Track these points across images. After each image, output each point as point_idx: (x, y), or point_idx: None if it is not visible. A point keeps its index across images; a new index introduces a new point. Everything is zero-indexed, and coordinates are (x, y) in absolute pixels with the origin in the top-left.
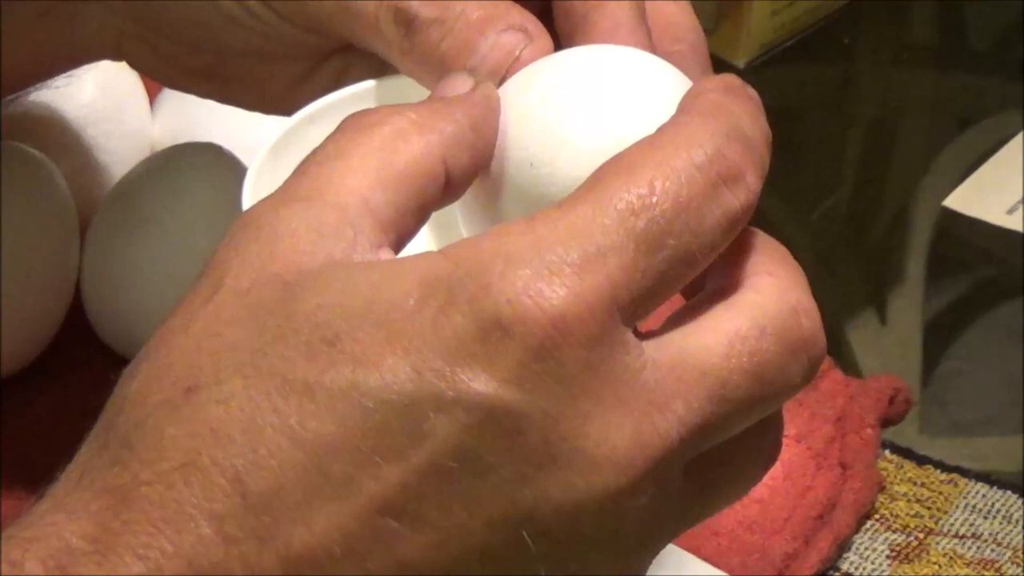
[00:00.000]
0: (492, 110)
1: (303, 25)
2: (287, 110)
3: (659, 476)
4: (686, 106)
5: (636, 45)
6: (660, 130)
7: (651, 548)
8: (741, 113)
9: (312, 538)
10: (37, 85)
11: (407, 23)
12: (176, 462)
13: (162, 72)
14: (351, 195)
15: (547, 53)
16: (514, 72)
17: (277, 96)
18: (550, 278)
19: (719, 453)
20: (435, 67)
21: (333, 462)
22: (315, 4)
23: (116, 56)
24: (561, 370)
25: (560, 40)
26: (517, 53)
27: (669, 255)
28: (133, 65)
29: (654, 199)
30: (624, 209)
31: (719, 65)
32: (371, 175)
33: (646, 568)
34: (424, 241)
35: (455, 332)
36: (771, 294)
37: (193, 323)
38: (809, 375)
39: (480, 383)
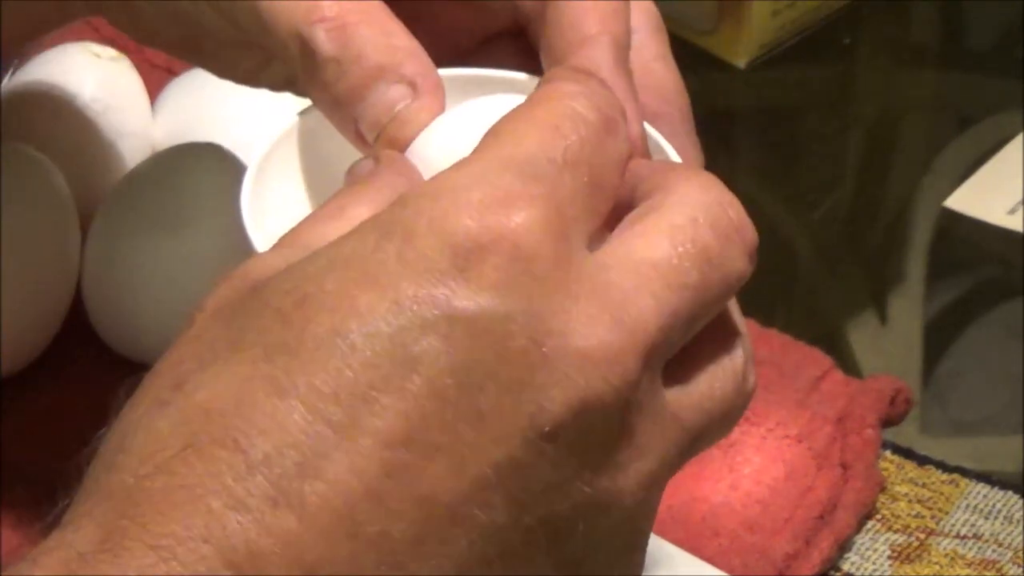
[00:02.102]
0: (403, 176)
1: (242, 29)
2: (257, 86)
3: (648, 368)
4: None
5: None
6: (532, 100)
7: (663, 456)
8: (589, 92)
9: (326, 488)
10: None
11: (310, 55)
12: (173, 449)
13: (142, 39)
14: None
15: (433, 110)
16: (403, 126)
17: (245, 74)
18: (505, 195)
19: (688, 358)
20: (329, 107)
21: (331, 408)
22: (245, 15)
23: (99, 15)
24: (536, 269)
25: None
26: (395, 110)
27: (588, 180)
28: (116, 26)
29: (564, 132)
30: (544, 140)
31: (719, 65)
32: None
33: (667, 475)
34: None
35: (422, 258)
36: (691, 192)
37: (176, 347)
38: (749, 262)
39: (459, 298)
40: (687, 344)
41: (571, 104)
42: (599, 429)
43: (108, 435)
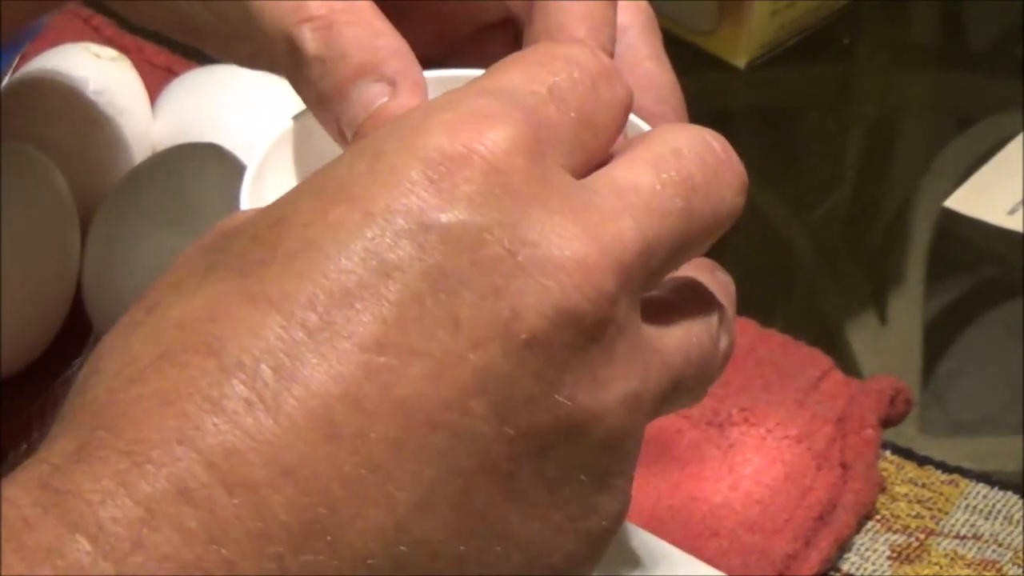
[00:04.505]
0: None
1: (233, 25)
2: (255, 68)
3: (627, 291)
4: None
5: None
6: (528, 48)
7: (644, 380)
8: (590, 47)
9: (303, 390)
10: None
11: (296, 54)
12: (146, 361)
13: (142, 21)
14: None
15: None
16: (379, 124)
17: (242, 58)
18: (477, 114)
19: (666, 310)
20: (314, 105)
21: (306, 313)
22: (235, 13)
23: None
24: (510, 182)
25: None
26: (374, 107)
27: (576, 115)
28: (116, 8)
29: (553, 70)
30: (530, 75)
31: (719, 65)
32: None
33: (649, 406)
34: None
35: (393, 171)
36: (677, 128)
37: (152, 286)
38: (739, 195)
39: (431, 208)
40: (666, 299)
41: (567, 50)
42: (578, 341)
43: (83, 364)
